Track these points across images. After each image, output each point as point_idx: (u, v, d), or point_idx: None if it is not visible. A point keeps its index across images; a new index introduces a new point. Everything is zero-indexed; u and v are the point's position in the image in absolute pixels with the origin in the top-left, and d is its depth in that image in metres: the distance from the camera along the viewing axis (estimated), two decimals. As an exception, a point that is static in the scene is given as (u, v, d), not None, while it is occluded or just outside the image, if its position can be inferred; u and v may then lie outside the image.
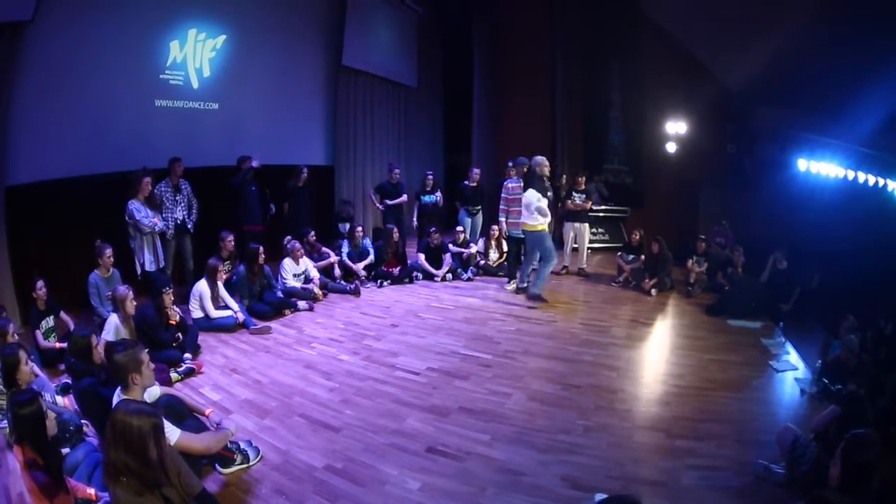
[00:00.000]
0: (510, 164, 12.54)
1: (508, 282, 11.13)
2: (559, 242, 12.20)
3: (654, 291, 10.77)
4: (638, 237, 11.57)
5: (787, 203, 11.15)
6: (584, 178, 12.23)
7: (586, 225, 12.23)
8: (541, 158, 10.04)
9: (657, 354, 8.03)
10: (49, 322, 7.36)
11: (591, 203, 12.14)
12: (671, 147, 13.96)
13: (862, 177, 9.09)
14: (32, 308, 7.32)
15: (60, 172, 8.66)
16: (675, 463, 4.99)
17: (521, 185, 10.56)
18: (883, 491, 3.51)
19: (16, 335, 6.19)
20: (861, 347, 6.70)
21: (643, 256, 11.39)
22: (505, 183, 11.10)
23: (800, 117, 10.83)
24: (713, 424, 5.71)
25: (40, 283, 7.28)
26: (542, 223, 9.76)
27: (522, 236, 10.51)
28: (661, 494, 4.43)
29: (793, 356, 7.71)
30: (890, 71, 7.79)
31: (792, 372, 7.16)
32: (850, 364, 6.49)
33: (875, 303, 7.71)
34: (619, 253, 12.21)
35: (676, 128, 13.80)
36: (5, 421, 4.91)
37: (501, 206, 11.07)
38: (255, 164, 10.34)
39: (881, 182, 8.74)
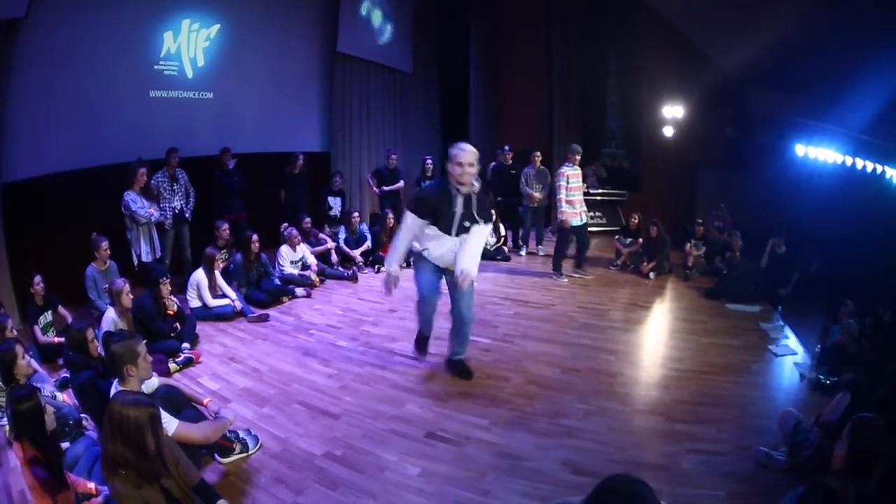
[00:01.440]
0: (506, 147, 12.52)
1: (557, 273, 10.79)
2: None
3: (652, 275, 10.79)
4: (636, 221, 11.56)
5: (786, 188, 11.13)
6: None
7: None
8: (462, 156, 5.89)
9: (656, 338, 8.04)
10: (47, 317, 7.39)
11: (585, 187, 12.06)
12: (669, 131, 13.91)
13: (860, 163, 9.08)
14: (30, 303, 7.35)
15: (56, 167, 8.66)
16: (675, 447, 5.00)
17: (579, 171, 10.50)
18: (884, 480, 3.50)
19: (14, 331, 6.20)
20: (860, 333, 6.70)
21: (641, 240, 11.40)
22: (560, 170, 10.61)
23: (798, 102, 10.80)
24: (713, 408, 5.72)
25: (38, 279, 7.30)
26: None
27: (582, 224, 10.54)
28: (661, 479, 4.43)
29: (792, 340, 7.72)
30: (888, 57, 7.77)
31: (791, 356, 7.17)
32: (849, 349, 6.50)
33: (874, 289, 7.71)
34: (617, 236, 12.21)
35: (674, 112, 13.75)
36: (5, 418, 4.91)
37: (559, 196, 10.56)
38: (231, 164, 10.45)
39: (879, 169, 8.72)
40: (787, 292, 9.55)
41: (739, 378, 6.51)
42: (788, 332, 8.03)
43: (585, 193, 12.04)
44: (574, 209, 10.39)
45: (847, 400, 4.67)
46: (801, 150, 10.49)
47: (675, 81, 13.60)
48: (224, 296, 8.68)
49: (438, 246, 6.06)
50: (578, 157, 10.52)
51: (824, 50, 9.05)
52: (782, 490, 4.06)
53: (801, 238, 10.12)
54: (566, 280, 10.56)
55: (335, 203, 12.31)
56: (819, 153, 10.04)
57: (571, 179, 10.35)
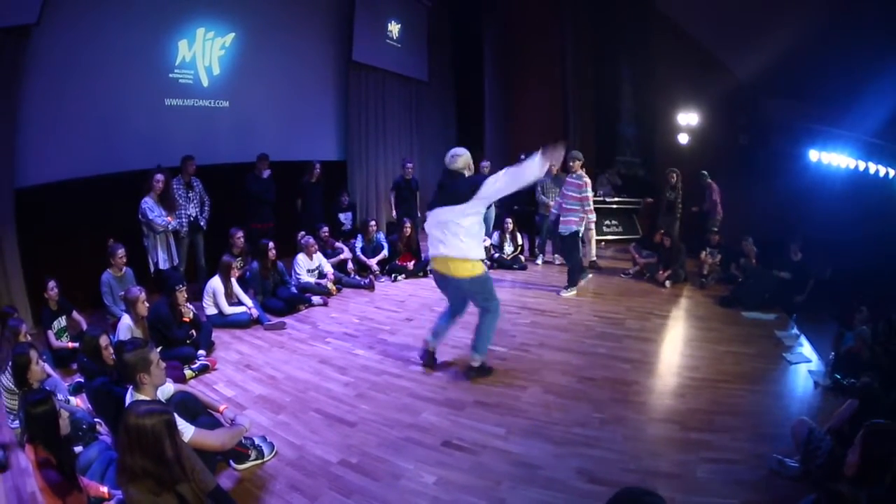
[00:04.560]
0: (522, 156, 12.50)
1: (566, 288, 10.43)
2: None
3: (668, 283, 10.76)
4: (660, 237, 11.50)
5: (799, 194, 11.10)
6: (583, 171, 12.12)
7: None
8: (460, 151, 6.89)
9: (671, 346, 8.01)
10: (61, 322, 7.42)
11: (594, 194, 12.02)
12: (683, 138, 13.92)
13: (872, 167, 9.04)
14: (44, 308, 7.38)
15: (71, 173, 8.71)
16: (689, 456, 4.99)
17: (584, 182, 9.95)
18: None
19: (28, 335, 6.23)
20: (873, 339, 6.68)
21: (658, 253, 11.37)
22: (568, 178, 10.41)
23: (811, 108, 10.78)
24: (728, 417, 5.70)
25: (52, 284, 7.35)
26: (477, 256, 6.57)
27: (561, 234, 10.20)
28: (675, 487, 4.42)
29: (806, 348, 7.69)
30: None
31: (805, 364, 7.13)
32: (863, 356, 6.48)
33: (887, 294, 7.68)
34: (633, 244, 12.21)
35: (688, 119, 13.76)
36: (17, 421, 4.94)
37: (560, 203, 10.39)
38: (265, 174, 10.55)
39: (891, 173, 8.68)
40: (803, 299, 9.51)
41: (754, 386, 6.48)
42: (803, 339, 7.99)
43: (601, 202, 12.05)
44: (565, 217, 10.17)
45: (854, 406, 4.66)
46: (814, 155, 10.45)
47: (689, 88, 13.61)
48: (240, 303, 8.71)
49: None
50: (571, 164, 10.17)
51: (837, 56, 9.04)
52: (796, 498, 4.04)
53: (815, 244, 10.09)
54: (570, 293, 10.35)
55: (346, 219, 12.47)
56: (832, 159, 9.99)
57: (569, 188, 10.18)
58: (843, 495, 3.47)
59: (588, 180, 10.04)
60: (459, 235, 6.26)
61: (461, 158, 6.54)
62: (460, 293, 6.76)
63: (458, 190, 6.23)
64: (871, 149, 9.04)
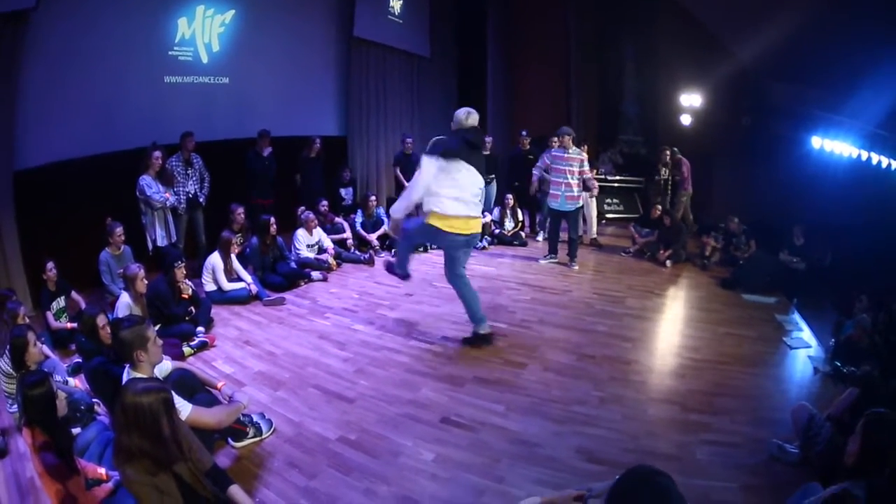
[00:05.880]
0: (523, 133, 12.46)
1: (546, 256, 10.94)
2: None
3: (668, 263, 10.74)
4: (658, 213, 11.49)
5: (801, 179, 11.07)
6: (585, 148, 12.01)
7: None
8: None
9: (672, 326, 8.02)
10: (60, 303, 7.43)
11: (594, 172, 12.01)
12: (686, 119, 13.85)
13: (875, 158, 9.01)
14: (43, 289, 7.39)
15: (70, 153, 8.66)
16: (689, 437, 4.99)
17: (566, 155, 10.25)
18: None
19: (27, 318, 6.24)
20: (873, 328, 6.67)
21: (657, 231, 11.35)
22: (548, 152, 10.86)
23: (815, 94, 10.72)
24: (727, 399, 5.70)
25: (50, 265, 7.36)
26: (455, 214, 6.83)
27: (563, 210, 10.37)
28: (675, 469, 4.36)
29: (806, 333, 7.69)
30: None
31: (805, 349, 7.13)
32: (862, 344, 6.47)
33: (887, 284, 7.67)
34: (633, 223, 12.21)
35: (691, 100, 13.67)
36: (15, 405, 4.94)
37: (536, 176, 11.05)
38: (265, 152, 10.54)
39: (894, 164, 8.65)
40: (804, 268, 9.54)
41: (754, 369, 6.49)
42: (803, 324, 7.98)
43: (602, 180, 12.07)
44: (553, 191, 10.52)
45: (854, 395, 4.66)
46: (816, 142, 10.42)
47: (692, 69, 13.53)
48: (239, 279, 8.71)
49: None
50: (563, 139, 10.44)
51: (840, 41, 8.99)
52: (795, 483, 4.04)
53: (815, 230, 10.08)
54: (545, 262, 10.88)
55: (347, 194, 12.53)
56: (835, 146, 9.96)
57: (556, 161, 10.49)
58: (854, 497, 3.45)
59: (585, 155, 10.37)
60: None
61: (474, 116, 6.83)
62: None
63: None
64: (874, 138, 8.99)
